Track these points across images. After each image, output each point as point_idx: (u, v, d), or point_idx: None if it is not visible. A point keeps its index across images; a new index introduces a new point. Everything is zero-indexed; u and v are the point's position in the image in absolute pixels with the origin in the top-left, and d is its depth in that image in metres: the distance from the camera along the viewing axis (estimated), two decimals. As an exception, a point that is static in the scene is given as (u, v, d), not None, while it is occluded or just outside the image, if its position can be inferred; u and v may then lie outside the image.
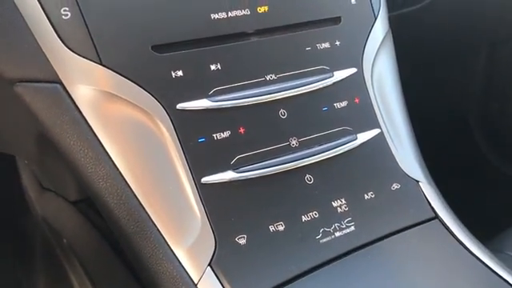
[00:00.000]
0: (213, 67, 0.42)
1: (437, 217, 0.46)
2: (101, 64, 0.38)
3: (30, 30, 0.38)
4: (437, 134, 0.85)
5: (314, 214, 0.42)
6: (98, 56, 0.38)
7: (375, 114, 0.48)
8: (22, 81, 0.39)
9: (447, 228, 0.45)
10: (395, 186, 0.46)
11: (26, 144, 0.52)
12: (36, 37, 0.38)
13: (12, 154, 0.68)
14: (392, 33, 0.53)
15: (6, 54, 0.39)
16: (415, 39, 0.83)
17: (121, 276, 0.56)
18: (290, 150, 0.43)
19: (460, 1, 0.79)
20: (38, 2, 0.38)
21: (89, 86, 0.38)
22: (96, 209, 0.42)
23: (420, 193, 0.47)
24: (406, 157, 0.48)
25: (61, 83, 0.38)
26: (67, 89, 0.38)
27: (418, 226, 0.45)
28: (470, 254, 0.43)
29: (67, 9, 0.38)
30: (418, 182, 0.47)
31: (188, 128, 0.40)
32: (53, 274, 0.71)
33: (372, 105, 0.48)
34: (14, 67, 0.39)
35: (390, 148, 0.48)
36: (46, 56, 0.38)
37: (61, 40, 0.38)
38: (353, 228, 0.43)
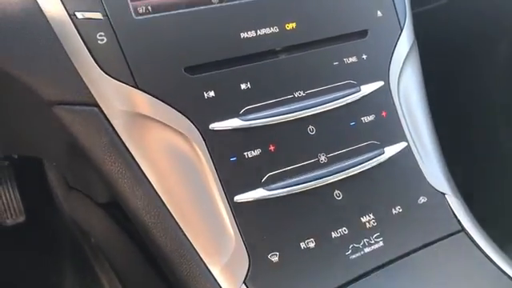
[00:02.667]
0: (243, 86, 0.44)
1: (463, 229, 0.48)
2: (136, 87, 0.41)
3: (67, 54, 0.40)
4: (457, 131, 0.86)
5: (344, 231, 0.44)
6: (134, 79, 0.41)
7: (402, 127, 0.50)
8: (60, 103, 0.41)
9: (473, 241, 0.47)
10: (422, 200, 0.48)
11: (58, 152, 0.54)
12: (73, 61, 0.40)
13: (40, 157, 0.70)
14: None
15: (45, 77, 0.41)
16: (435, 37, 0.84)
17: (151, 281, 0.59)
18: (318, 166, 0.45)
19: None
20: (74, 28, 0.40)
21: (125, 108, 0.41)
22: (125, 212, 0.44)
23: (446, 206, 0.49)
24: (432, 169, 0.50)
25: (98, 106, 0.41)
26: (104, 111, 0.41)
27: (445, 240, 0.47)
28: (495, 267, 0.45)
29: (103, 34, 0.40)
30: (444, 194, 0.49)
31: (220, 147, 0.42)
32: (81, 272, 0.74)
33: (399, 118, 0.50)
34: (53, 90, 0.41)
35: (416, 161, 0.50)
36: (83, 80, 0.41)
37: (97, 64, 0.40)
38: (381, 243, 0.45)
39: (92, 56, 0.40)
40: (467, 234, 0.48)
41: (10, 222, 0.78)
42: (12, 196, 0.78)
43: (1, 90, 0.45)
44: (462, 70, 0.89)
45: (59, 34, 0.40)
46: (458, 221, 0.49)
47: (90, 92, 0.41)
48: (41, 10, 0.40)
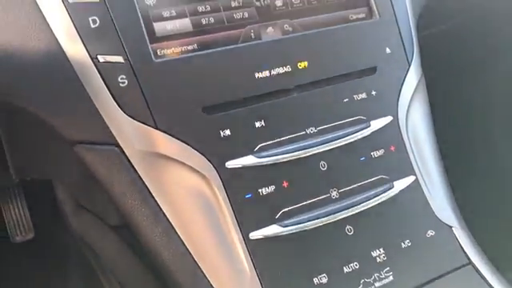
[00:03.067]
0: (257, 124, 0.46)
1: (470, 263, 0.49)
2: (156, 128, 0.42)
3: (89, 96, 0.42)
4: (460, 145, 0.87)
5: (355, 265, 0.46)
6: (154, 120, 0.42)
7: (410, 160, 0.52)
8: (81, 143, 0.43)
9: (480, 274, 0.49)
10: (430, 233, 0.50)
11: (73, 178, 0.55)
12: (95, 102, 0.42)
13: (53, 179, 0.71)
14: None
15: (67, 118, 0.43)
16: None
17: None
18: (330, 201, 0.47)
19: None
20: (96, 71, 0.42)
21: (145, 148, 0.42)
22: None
23: (454, 239, 0.51)
24: (440, 202, 0.52)
25: (119, 146, 0.42)
26: (125, 151, 0.42)
27: (453, 273, 0.48)
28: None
29: (124, 77, 0.42)
30: (451, 227, 0.51)
31: (236, 185, 0.44)
32: None
33: (407, 152, 0.52)
34: (75, 130, 0.43)
35: (424, 194, 0.51)
36: (104, 121, 0.42)
37: (118, 106, 0.42)
38: (391, 278, 0.46)
39: (113, 98, 0.42)
40: (474, 267, 0.49)
41: (19, 238, 0.79)
42: (21, 213, 0.79)
43: (23, 125, 0.46)
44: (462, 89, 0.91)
45: (82, 77, 0.42)
46: (466, 254, 0.50)
47: (111, 132, 0.42)
48: (64, 53, 0.42)
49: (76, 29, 0.41)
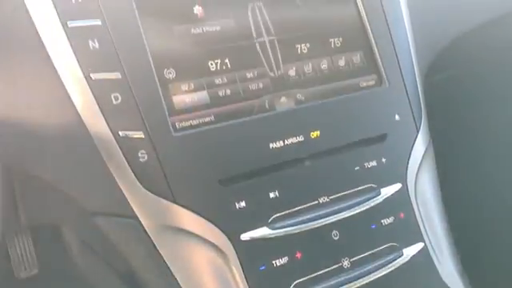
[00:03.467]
0: (272, 195, 0.47)
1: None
2: (174, 202, 0.43)
3: (109, 170, 0.43)
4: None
5: (367, 335, 0.46)
6: (172, 194, 0.43)
7: (419, 227, 0.53)
8: (100, 214, 0.44)
9: None
10: (439, 301, 0.51)
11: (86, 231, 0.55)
12: (115, 176, 0.43)
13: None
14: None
15: (87, 190, 0.44)
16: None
17: None
18: (342, 271, 0.48)
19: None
20: (117, 146, 0.43)
21: (163, 222, 0.43)
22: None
23: (461, 305, 0.51)
24: (448, 268, 0.53)
25: (137, 219, 0.43)
26: (143, 224, 0.43)
27: None
28: None
29: (144, 152, 0.43)
30: (459, 293, 0.52)
31: (250, 257, 0.45)
32: None
33: (416, 218, 0.53)
34: (94, 202, 0.44)
35: (433, 261, 0.52)
36: (124, 194, 0.43)
37: (138, 180, 0.43)
38: None
39: (133, 172, 0.43)
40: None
41: (23, 274, 0.79)
42: (26, 248, 0.79)
43: (40, 188, 0.47)
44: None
45: (103, 151, 0.43)
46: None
47: (130, 206, 0.43)
48: (86, 129, 0.43)
49: (98, 105, 0.43)
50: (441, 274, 0.52)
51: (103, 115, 0.43)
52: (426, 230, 0.53)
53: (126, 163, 0.43)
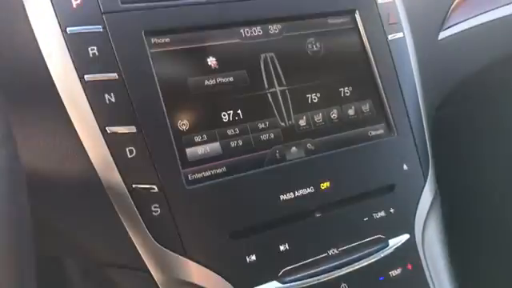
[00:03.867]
0: (282, 248, 0.47)
1: None
2: (186, 256, 0.44)
3: (122, 223, 0.43)
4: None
5: None
6: (184, 248, 0.44)
7: (426, 278, 0.53)
8: (111, 266, 0.44)
9: None
10: None
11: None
12: (128, 229, 0.44)
13: None
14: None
15: (99, 242, 0.44)
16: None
17: None
18: (351, 324, 0.48)
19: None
20: (131, 199, 0.43)
21: (174, 276, 0.44)
22: None
23: None
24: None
25: (149, 272, 0.43)
26: (154, 278, 0.43)
27: None
28: None
29: (157, 205, 0.43)
30: None
31: (260, 311, 0.45)
32: None
33: (423, 270, 0.53)
34: (106, 254, 0.44)
35: (440, 313, 0.52)
36: (136, 247, 0.43)
37: (151, 234, 0.43)
38: None
39: (146, 226, 0.43)
40: None
41: None
42: None
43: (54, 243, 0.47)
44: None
45: (116, 204, 0.43)
46: None
47: (142, 259, 0.44)
48: (100, 181, 0.43)
49: (113, 159, 0.43)
50: (448, 327, 0.52)
51: (118, 169, 0.43)
52: (432, 282, 0.53)
53: (140, 217, 0.43)
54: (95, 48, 0.44)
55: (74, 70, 0.43)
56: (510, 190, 0.84)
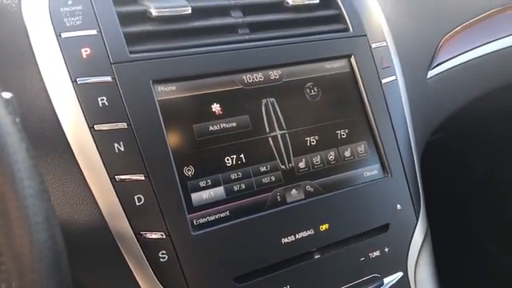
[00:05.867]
0: (284, 290, 0.49)
1: None
2: (191, 301, 0.45)
3: (130, 268, 0.44)
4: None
5: None
6: (190, 294, 0.45)
7: (419, 314, 0.55)
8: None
9: None
10: None
11: None
12: (135, 275, 0.45)
13: None
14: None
15: (107, 286, 0.45)
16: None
17: None
18: None
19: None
20: (139, 246, 0.44)
21: (181, 321, 0.44)
22: None
23: None
24: None
25: (156, 317, 0.44)
26: (161, 323, 0.44)
27: None
28: None
29: (164, 252, 0.45)
30: None
31: None
32: None
33: (416, 306, 0.55)
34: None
35: None
36: (145, 296, 0.44)
37: (158, 280, 0.44)
38: None
39: (154, 273, 0.44)
40: None
41: None
42: None
43: None
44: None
45: (124, 251, 0.44)
46: None
47: (149, 304, 0.45)
48: (108, 229, 0.44)
49: (122, 206, 0.44)
50: None
51: (126, 216, 0.44)
52: (425, 319, 0.55)
53: (148, 263, 0.44)
54: (105, 98, 0.45)
55: (84, 119, 0.44)
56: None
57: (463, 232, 1.01)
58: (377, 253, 0.55)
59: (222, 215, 0.48)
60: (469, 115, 0.82)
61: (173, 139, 0.47)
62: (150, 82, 0.47)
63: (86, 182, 0.44)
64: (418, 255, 0.57)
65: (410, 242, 0.57)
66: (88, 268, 0.45)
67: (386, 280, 0.54)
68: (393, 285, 0.54)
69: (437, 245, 0.61)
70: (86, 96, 0.45)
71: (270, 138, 0.53)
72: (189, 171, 0.48)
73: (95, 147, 0.44)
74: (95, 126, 0.44)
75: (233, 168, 0.50)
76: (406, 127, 0.62)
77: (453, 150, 0.99)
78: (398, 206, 0.58)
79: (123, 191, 0.44)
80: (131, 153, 0.45)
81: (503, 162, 0.91)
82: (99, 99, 0.45)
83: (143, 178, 0.45)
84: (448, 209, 0.88)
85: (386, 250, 0.55)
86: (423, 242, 0.58)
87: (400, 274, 0.55)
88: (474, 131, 0.92)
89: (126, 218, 0.44)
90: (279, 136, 0.53)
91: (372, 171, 0.58)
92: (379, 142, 0.58)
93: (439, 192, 0.81)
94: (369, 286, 0.53)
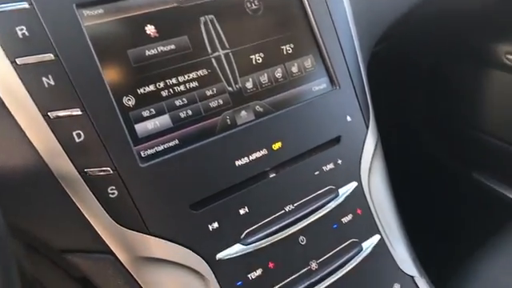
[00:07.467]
0: (242, 211, 0.48)
1: (432, 308, 0.56)
2: (148, 233, 0.44)
3: (79, 208, 0.42)
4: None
5: (338, 331, 0.50)
6: (146, 226, 0.44)
7: (375, 220, 0.57)
8: (73, 251, 0.43)
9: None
10: (396, 287, 0.56)
11: None
12: (86, 215, 0.43)
13: None
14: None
15: (56, 229, 0.43)
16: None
17: None
18: (311, 273, 0.51)
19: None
20: (85, 184, 0.42)
21: (139, 254, 0.44)
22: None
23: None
24: (402, 255, 0.58)
25: (112, 253, 0.43)
26: (119, 259, 0.43)
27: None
28: None
29: (114, 187, 0.42)
30: (413, 277, 0.57)
31: (227, 275, 0.47)
32: None
33: (371, 213, 0.57)
34: (65, 240, 0.43)
35: (389, 250, 0.57)
36: (97, 231, 0.43)
37: (110, 216, 0.43)
38: (370, 338, 0.52)
39: (105, 209, 0.42)
40: (435, 312, 0.56)
41: None
42: None
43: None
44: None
45: (70, 191, 0.42)
46: (427, 300, 0.57)
47: (104, 241, 0.43)
48: (49, 169, 0.41)
49: (61, 145, 0.41)
50: (396, 262, 0.57)
51: (67, 155, 0.41)
52: (381, 223, 0.57)
53: (97, 201, 0.42)
54: (24, 28, 0.40)
55: (4, 54, 0.40)
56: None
57: (412, 141, 1.04)
58: (330, 165, 0.55)
59: (170, 144, 0.46)
60: (410, 20, 0.81)
61: (107, 68, 0.44)
62: (73, 5, 0.42)
63: (16, 122, 0.40)
64: (371, 164, 0.58)
65: (362, 152, 0.58)
66: (33, 214, 0.42)
67: (342, 191, 0.55)
68: (348, 195, 0.55)
69: (387, 154, 0.62)
70: (1, 27, 0.40)
71: (213, 59, 0.50)
72: (129, 101, 0.45)
73: (21, 83, 0.40)
74: (17, 59, 0.40)
75: (177, 94, 0.47)
76: (352, 38, 0.60)
77: (397, 56, 1.00)
78: (348, 118, 0.57)
79: (60, 129, 0.41)
80: (62, 86, 0.41)
81: (445, 57, 0.93)
82: (18, 29, 0.40)
83: (80, 113, 0.42)
84: (396, 117, 0.90)
85: (340, 162, 0.55)
86: (374, 151, 0.59)
87: (354, 184, 0.56)
88: (414, 36, 0.92)
89: (66, 157, 0.41)
90: (223, 56, 0.50)
91: (320, 85, 0.57)
92: (325, 54, 0.57)
93: (386, 102, 0.81)
94: (325, 198, 0.53)
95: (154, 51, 0.47)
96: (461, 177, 1.02)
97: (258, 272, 0.48)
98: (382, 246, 0.56)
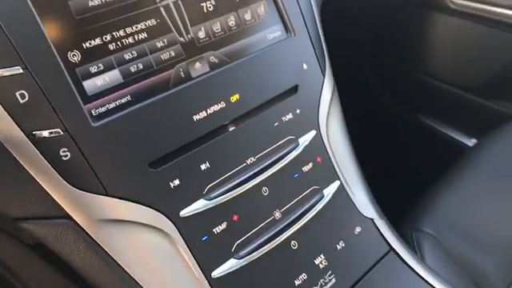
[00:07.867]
0: (203, 167, 0.47)
1: (392, 249, 0.58)
2: (107, 194, 0.42)
3: (30, 173, 0.40)
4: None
5: (304, 276, 0.52)
6: (104, 187, 0.42)
7: (334, 167, 0.57)
8: (28, 218, 0.41)
9: (401, 258, 0.58)
10: (357, 230, 0.57)
11: None
12: (38, 180, 0.40)
13: None
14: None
15: (6, 197, 0.40)
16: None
17: None
18: (275, 222, 0.51)
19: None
20: (35, 148, 0.39)
21: (99, 217, 0.42)
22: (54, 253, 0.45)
23: (375, 229, 0.59)
24: (361, 199, 0.59)
25: (70, 218, 0.41)
26: (78, 223, 0.42)
27: (380, 262, 0.56)
28: (422, 281, 0.56)
29: (66, 149, 0.40)
30: (372, 219, 0.59)
31: (192, 231, 0.46)
32: None
33: (330, 160, 0.57)
34: (18, 208, 0.41)
35: (348, 195, 0.58)
36: (51, 196, 0.41)
37: (64, 179, 0.40)
38: (334, 280, 0.53)
39: (58, 173, 0.40)
40: (395, 252, 0.58)
41: None
42: None
43: None
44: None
45: (18, 156, 0.39)
46: (386, 241, 0.59)
47: (60, 206, 0.41)
48: None
49: (3, 107, 0.38)
50: (356, 206, 0.58)
51: (11, 117, 0.38)
52: (340, 169, 0.58)
53: (49, 165, 0.40)
54: None
55: None
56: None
57: (363, 89, 1.05)
58: (289, 115, 0.54)
59: (122, 101, 0.44)
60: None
61: (47, 21, 0.40)
62: (2, -49, 0.38)
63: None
64: (328, 112, 0.58)
65: (320, 100, 0.57)
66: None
67: (301, 140, 0.55)
68: (308, 144, 0.55)
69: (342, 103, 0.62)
70: None
71: (161, 8, 0.47)
72: (74, 56, 0.42)
73: None
74: None
75: (125, 47, 0.45)
76: (305, -18, 0.58)
77: (346, 6, 0.99)
78: (305, 66, 0.56)
79: (0, 89, 0.38)
80: None
81: (392, 2, 0.94)
82: None
83: (21, 71, 0.38)
84: (348, 65, 0.90)
85: (298, 111, 0.55)
86: (331, 99, 0.59)
87: (314, 133, 0.56)
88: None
89: (11, 119, 0.38)
90: (171, 4, 0.48)
91: (275, 32, 0.55)
92: (279, 0, 0.55)
93: (339, 51, 0.81)
94: (285, 148, 0.53)
95: (97, 1, 0.43)
96: (408, 120, 1.05)
97: (223, 226, 0.48)
98: (341, 191, 0.57)
